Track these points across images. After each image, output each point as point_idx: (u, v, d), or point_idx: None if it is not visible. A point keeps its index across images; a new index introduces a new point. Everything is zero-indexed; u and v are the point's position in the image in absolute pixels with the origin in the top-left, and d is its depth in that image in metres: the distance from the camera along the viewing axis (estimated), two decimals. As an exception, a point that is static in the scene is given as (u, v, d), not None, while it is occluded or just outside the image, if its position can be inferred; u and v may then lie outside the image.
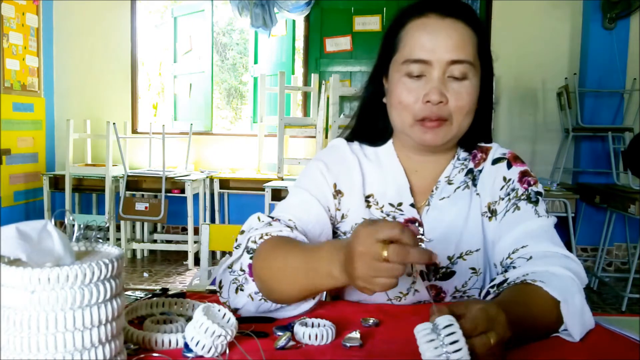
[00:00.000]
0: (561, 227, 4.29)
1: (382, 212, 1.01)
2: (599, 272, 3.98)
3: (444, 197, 1.02)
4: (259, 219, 0.96)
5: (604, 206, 3.86)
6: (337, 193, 1.02)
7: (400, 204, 1.01)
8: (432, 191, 1.03)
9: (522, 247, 0.91)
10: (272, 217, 0.96)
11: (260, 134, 4.75)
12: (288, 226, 0.93)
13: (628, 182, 3.67)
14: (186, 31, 5.05)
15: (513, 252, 0.92)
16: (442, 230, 1.00)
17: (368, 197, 1.02)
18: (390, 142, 1.06)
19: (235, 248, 0.93)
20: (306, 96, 4.97)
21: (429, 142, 0.96)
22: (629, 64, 4.26)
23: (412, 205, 1.01)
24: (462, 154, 1.05)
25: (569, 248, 3.53)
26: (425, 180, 1.04)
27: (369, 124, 1.07)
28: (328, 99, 4.12)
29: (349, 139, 1.09)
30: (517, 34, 4.52)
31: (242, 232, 0.96)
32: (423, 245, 0.99)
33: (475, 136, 1.05)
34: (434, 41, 0.92)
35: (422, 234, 1.00)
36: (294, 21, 4.88)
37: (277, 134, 4.22)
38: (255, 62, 5.15)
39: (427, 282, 0.98)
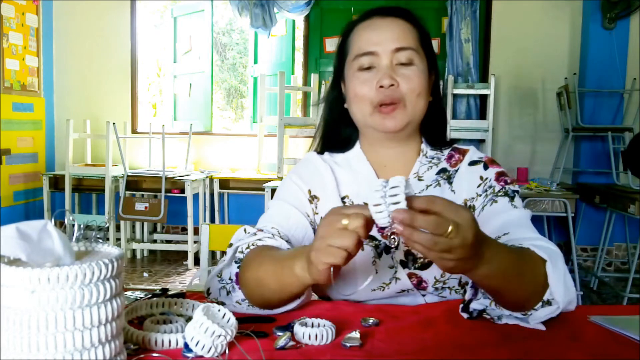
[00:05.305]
0: (561, 227, 4.29)
1: None
2: (598, 272, 3.98)
3: (415, 194, 1.04)
4: (245, 231, 1.03)
5: (603, 206, 3.86)
6: (313, 198, 1.08)
7: None
8: None
9: (504, 235, 0.94)
10: (257, 229, 1.02)
11: (260, 134, 4.75)
12: (272, 234, 0.98)
13: (628, 182, 3.67)
14: (186, 31, 5.05)
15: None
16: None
17: (344, 198, 1.07)
18: (357, 145, 1.12)
19: (224, 261, 0.98)
20: (306, 96, 4.97)
21: (389, 128, 1.02)
22: (628, 64, 4.25)
23: None
24: (430, 152, 1.09)
25: (569, 248, 3.55)
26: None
27: (335, 131, 1.14)
28: (328, 99, 4.11)
29: (319, 151, 1.15)
30: (517, 34, 4.51)
31: (231, 245, 1.01)
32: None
33: (434, 129, 1.11)
34: (379, 35, 1.03)
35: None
36: (293, 21, 4.88)
37: (277, 133, 4.22)
38: (255, 62, 5.15)
39: (407, 270, 1.00)
